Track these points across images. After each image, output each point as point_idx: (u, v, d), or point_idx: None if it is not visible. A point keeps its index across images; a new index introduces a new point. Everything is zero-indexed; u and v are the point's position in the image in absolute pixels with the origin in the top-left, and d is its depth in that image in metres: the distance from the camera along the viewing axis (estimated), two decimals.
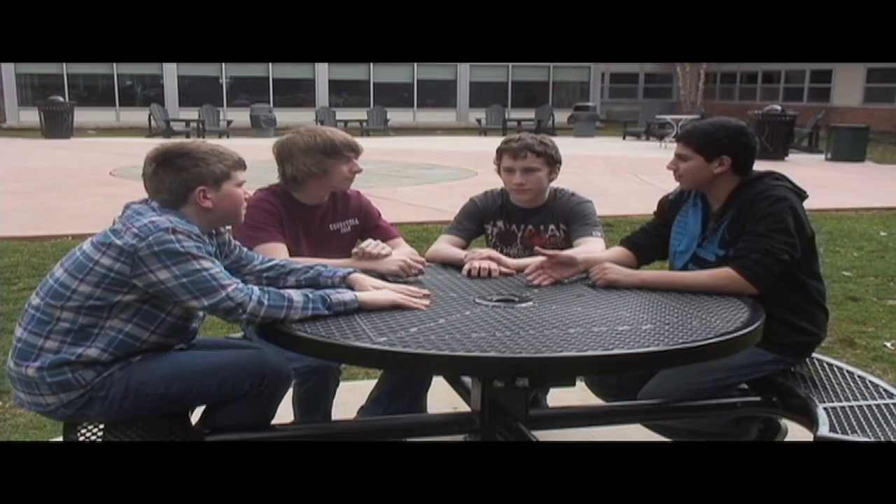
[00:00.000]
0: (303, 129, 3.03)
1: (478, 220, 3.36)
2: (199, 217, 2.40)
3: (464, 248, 3.26)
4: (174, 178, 2.37)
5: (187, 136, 21.62)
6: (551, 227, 3.27)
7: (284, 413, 2.72)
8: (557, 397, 3.36)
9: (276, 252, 2.83)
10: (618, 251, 3.01)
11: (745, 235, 2.67)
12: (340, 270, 2.59)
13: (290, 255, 2.88)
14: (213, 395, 2.40)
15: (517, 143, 3.21)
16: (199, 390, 2.38)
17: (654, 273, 2.83)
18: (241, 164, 2.49)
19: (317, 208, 3.07)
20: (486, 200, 3.37)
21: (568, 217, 3.26)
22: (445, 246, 3.21)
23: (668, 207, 3.02)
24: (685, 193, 2.96)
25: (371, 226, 3.19)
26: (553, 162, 3.22)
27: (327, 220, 3.10)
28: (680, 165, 2.80)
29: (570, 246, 3.22)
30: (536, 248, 2.91)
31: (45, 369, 2.28)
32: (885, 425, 2.46)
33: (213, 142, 2.57)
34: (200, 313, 2.49)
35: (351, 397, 3.35)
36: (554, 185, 3.33)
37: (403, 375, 3.08)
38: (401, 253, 2.94)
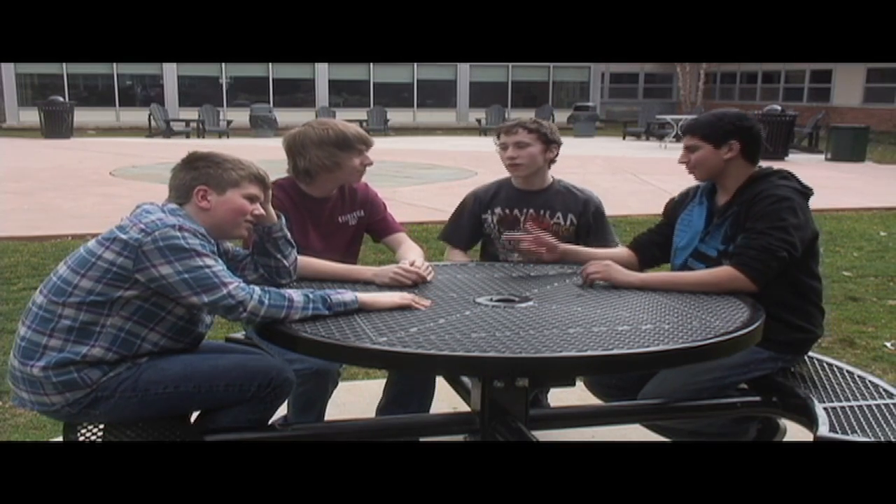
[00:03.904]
0: (314, 122, 3.03)
1: (474, 217, 3.40)
2: (199, 218, 2.41)
3: (468, 248, 3.38)
4: (185, 175, 2.45)
5: (187, 137, 21.65)
6: (558, 214, 3.29)
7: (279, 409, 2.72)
8: (557, 397, 3.36)
9: None
10: (619, 250, 3.02)
11: (745, 233, 2.68)
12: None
13: (297, 247, 2.89)
14: (219, 396, 2.40)
15: (510, 121, 3.35)
16: (207, 390, 2.38)
17: (654, 273, 2.84)
18: (257, 179, 2.49)
19: (326, 200, 3.06)
20: (477, 195, 3.43)
21: (582, 216, 3.31)
22: (460, 256, 3.35)
23: (673, 208, 3.04)
24: (690, 194, 2.98)
25: (376, 218, 3.18)
26: (547, 140, 3.28)
27: (336, 212, 3.09)
28: (691, 157, 2.82)
29: (574, 237, 3.30)
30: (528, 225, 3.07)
31: (51, 368, 2.28)
32: (885, 425, 2.46)
33: (219, 143, 2.59)
34: (208, 319, 2.51)
35: (350, 397, 3.36)
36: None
37: (407, 383, 3.08)
38: (410, 252, 2.98)
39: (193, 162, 2.46)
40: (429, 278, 2.76)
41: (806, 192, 2.79)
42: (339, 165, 2.95)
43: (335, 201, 3.09)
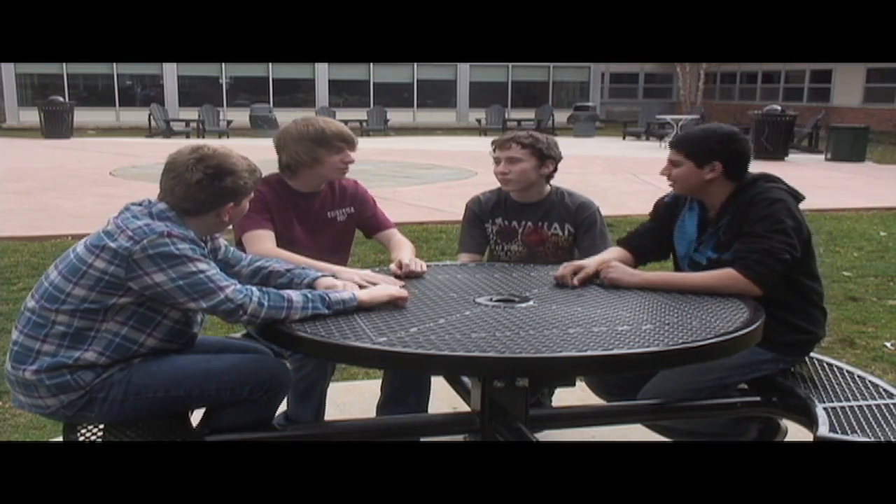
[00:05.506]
0: (300, 119, 3.11)
1: (480, 224, 3.38)
2: (205, 226, 2.41)
3: (483, 252, 3.34)
4: (214, 193, 2.36)
5: (187, 136, 21.62)
6: (555, 225, 3.28)
7: None
8: (557, 397, 3.37)
9: (262, 239, 2.88)
10: (617, 251, 3.01)
11: (744, 238, 2.67)
12: (310, 275, 2.58)
13: (283, 241, 2.91)
14: (212, 399, 2.40)
15: (506, 134, 3.29)
16: (199, 395, 2.38)
17: (657, 273, 2.83)
18: (259, 180, 2.53)
19: (314, 196, 3.12)
20: (480, 202, 3.40)
21: (576, 224, 3.28)
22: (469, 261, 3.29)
23: (664, 210, 3.01)
24: (682, 197, 2.96)
25: (367, 215, 3.24)
26: (542, 156, 3.21)
27: (325, 207, 3.14)
28: (672, 171, 2.81)
29: (574, 247, 3.25)
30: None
31: (44, 372, 2.27)
32: (885, 425, 2.46)
33: (219, 143, 2.58)
34: (199, 318, 2.50)
35: (350, 397, 3.36)
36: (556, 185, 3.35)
37: (404, 380, 3.09)
38: (401, 249, 3.04)
39: (224, 177, 2.35)
40: (418, 270, 2.83)
41: (796, 196, 2.78)
42: (317, 161, 3.01)
43: (324, 197, 3.14)
